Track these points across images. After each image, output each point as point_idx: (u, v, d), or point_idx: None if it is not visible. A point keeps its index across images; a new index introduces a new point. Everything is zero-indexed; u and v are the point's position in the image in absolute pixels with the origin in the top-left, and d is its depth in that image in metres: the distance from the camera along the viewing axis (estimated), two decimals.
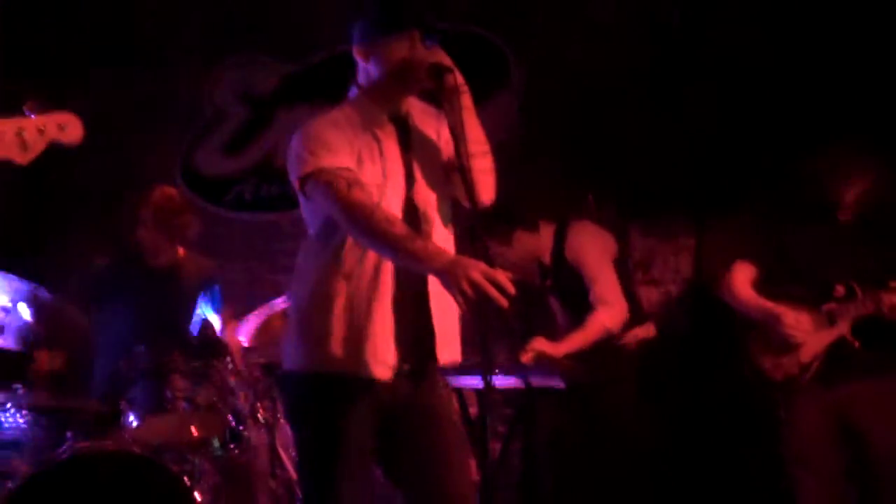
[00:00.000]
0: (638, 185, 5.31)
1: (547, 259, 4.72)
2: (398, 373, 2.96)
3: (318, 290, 2.97)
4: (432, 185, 3.06)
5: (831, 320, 4.03)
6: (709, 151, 5.21)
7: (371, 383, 2.93)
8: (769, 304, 4.13)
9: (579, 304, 4.57)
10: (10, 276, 3.94)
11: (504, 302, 2.65)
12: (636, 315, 4.66)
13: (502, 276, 2.67)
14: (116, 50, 5.92)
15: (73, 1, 5.98)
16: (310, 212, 3.04)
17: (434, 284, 2.88)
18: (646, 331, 4.68)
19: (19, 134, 2.55)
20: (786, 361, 4.09)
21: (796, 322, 4.04)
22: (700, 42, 5.37)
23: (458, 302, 2.69)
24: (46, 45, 5.91)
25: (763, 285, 4.21)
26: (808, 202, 4.20)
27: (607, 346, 4.51)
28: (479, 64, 5.57)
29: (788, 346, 4.07)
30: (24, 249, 5.21)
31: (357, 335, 2.91)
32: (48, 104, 2.61)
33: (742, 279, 4.23)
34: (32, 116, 2.57)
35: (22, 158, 2.57)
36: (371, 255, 2.93)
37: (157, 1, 5.96)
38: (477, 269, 2.67)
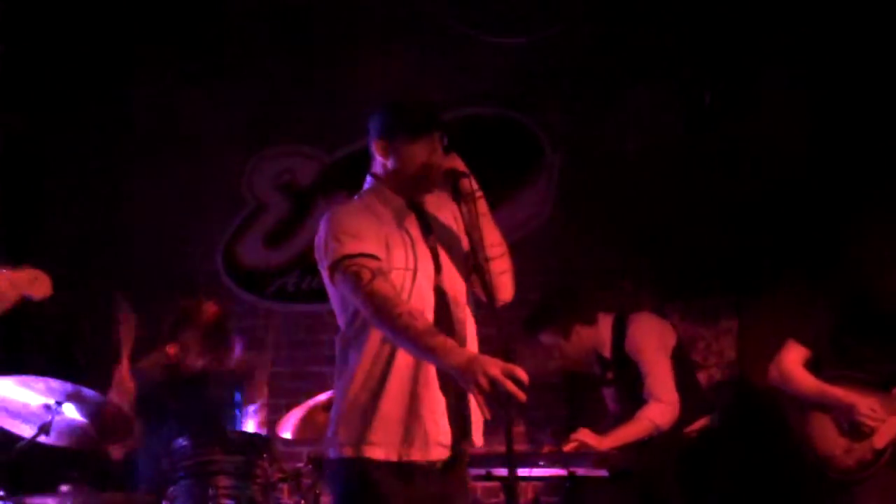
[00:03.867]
0: (677, 268, 5.29)
1: (607, 352, 4.71)
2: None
3: (362, 378, 2.99)
4: (457, 269, 3.12)
5: None
6: (747, 232, 5.20)
7: (413, 470, 2.95)
8: (837, 391, 4.09)
9: (636, 398, 4.55)
10: (48, 378, 3.95)
11: (522, 396, 2.70)
12: (699, 406, 4.62)
13: (520, 372, 2.72)
14: (158, 140, 5.97)
15: (115, 91, 6.05)
16: (339, 302, 3.09)
17: None
18: (704, 421, 4.61)
19: None
20: (858, 447, 4.04)
21: (870, 409, 4.01)
22: (734, 121, 5.37)
23: (476, 399, 2.74)
24: (87, 133, 5.98)
25: (815, 369, 4.17)
26: (853, 287, 4.17)
27: (669, 434, 4.48)
28: (514, 149, 5.73)
29: (859, 432, 4.02)
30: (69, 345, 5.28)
31: (410, 420, 2.95)
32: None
33: (794, 360, 4.20)
34: (4, 271, 2.68)
35: None
36: None
37: (197, 90, 6.02)
38: (495, 366, 2.72)
